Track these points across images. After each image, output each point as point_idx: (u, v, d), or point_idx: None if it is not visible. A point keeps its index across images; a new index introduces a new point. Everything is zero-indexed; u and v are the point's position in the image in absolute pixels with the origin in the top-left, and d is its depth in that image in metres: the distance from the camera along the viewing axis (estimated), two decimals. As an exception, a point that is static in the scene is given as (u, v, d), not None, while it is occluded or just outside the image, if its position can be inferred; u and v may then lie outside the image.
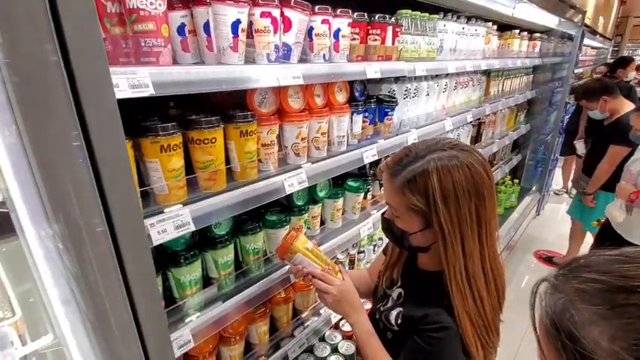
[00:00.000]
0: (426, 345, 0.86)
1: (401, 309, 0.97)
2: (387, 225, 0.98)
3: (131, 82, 0.76)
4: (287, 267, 1.34)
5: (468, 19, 2.24)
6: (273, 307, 1.43)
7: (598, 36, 8.17)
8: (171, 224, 0.89)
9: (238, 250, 1.24)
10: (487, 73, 2.86)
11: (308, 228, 1.53)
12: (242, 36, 0.99)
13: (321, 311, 1.70)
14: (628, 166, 2.53)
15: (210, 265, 1.14)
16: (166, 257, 1.03)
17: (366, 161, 1.52)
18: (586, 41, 6.49)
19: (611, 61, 5.97)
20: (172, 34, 0.92)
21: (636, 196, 2.34)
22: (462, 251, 0.84)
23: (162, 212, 0.89)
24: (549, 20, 3.46)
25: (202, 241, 1.12)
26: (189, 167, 1.00)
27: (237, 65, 0.99)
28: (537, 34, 3.63)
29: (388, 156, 1.90)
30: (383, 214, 1.01)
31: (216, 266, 1.14)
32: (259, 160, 1.18)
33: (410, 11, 1.69)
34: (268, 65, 1.06)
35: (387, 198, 0.94)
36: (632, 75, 4.88)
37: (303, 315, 1.62)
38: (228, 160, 1.09)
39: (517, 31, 3.15)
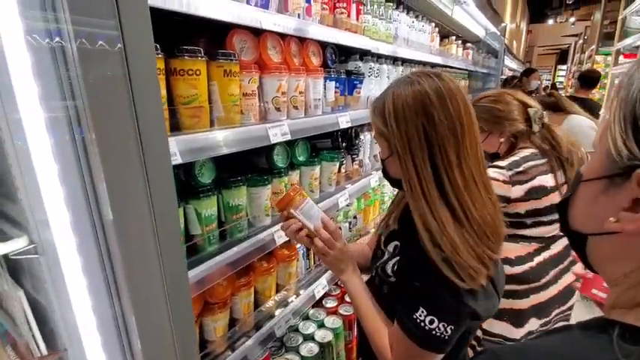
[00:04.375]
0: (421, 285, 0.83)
1: (398, 257, 0.94)
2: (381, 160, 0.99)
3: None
4: (269, 231, 1.28)
5: (416, 16, 2.47)
6: (257, 277, 1.34)
7: (514, 58, 9.42)
8: (156, 152, 0.81)
9: (221, 208, 1.16)
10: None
11: (287, 196, 1.49)
12: (224, -28, 0.98)
13: (301, 291, 1.63)
14: None
15: (192, 218, 1.05)
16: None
17: (342, 126, 1.54)
18: (506, 62, 7.44)
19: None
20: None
21: None
22: (414, 169, 0.83)
23: (145, 139, 0.81)
24: (479, 30, 3.93)
25: (184, 191, 1.03)
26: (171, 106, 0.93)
27: (220, -1, 0.97)
28: (469, 44, 4.10)
29: (364, 125, 1.97)
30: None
31: (200, 219, 1.05)
32: (241, 112, 1.14)
33: (369, -7, 1.82)
34: (249, 6, 1.06)
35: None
36: (534, 84, 5.47)
37: (284, 293, 1.54)
38: (210, 104, 1.03)
39: (454, 37, 3.54)
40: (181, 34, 1.10)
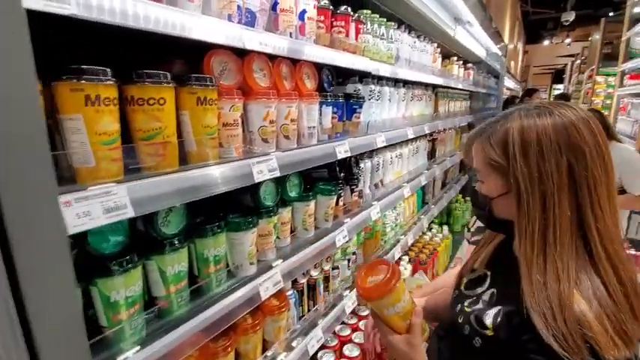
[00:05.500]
0: None
1: (500, 307, 0.77)
2: (474, 197, 0.87)
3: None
4: (254, 283, 1.08)
5: (418, 36, 2.34)
6: (238, 337, 1.12)
7: (512, 78, 9.45)
8: (98, 206, 0.63)
9: (193, 259, 0.96)
10: (435, 93, 2.99)
11: (277, 237, 1.29)
12: (199, -17, 0.82)
13: (293, 344, 1.41)
14: None
15: (154, 278, 0.85)
16: (90, 264, 0.73)
17: (339, 156, 1.37)
18: (505, 82, 7.43)
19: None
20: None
21: None
22: (540, 212, 0.69)
23: (84, 189, 0.63)
24: (480, 51, 3.84)
25: (145, 244, 0.84)
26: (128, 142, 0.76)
27: (196, 14, 0.80)
28: (470, 64, 4.00)
29: (364, 153, 1.79)
30: (473, 185, 0.90)
31: (164, 279, 0.85)
32: (220, 145, 0.97)
33: (370, 12, 1.68)
34: (231, 23, 0.90)
35: (475, 163, 0.84)
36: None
37: (273, 351, 1.32)
38: (180, 137, 0.86)
39: (455, 58, 3.43)
40: (155, 57, 0.94)
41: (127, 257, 0.76)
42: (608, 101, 4.84)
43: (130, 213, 0.67)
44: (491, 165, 0.77)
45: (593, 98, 5.86)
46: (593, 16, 9.08)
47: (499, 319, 0.74)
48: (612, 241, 0.68)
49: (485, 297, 0.85)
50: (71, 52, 0.73)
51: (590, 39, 8.60)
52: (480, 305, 0.83)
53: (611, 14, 8.42)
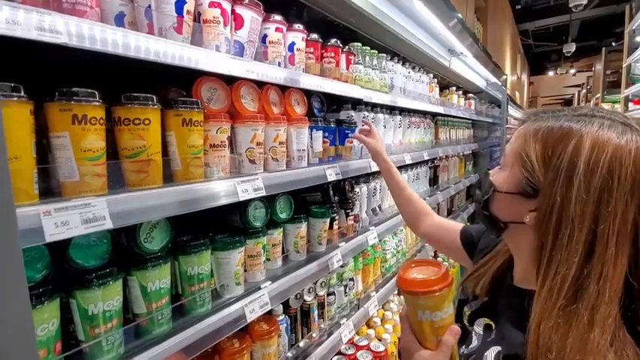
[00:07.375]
0: None
1: (499, 347, 0.66)
2: (484, 179, 0.73)
3: (39, 24, 0.62)
4: (239, 304, 1.07)
5: (412, 67, 2.44)
6: (223, 362, 1.10)
7: (518, 108, 9.51)
8: (77, 216, 0.66)
9: (177, 277, 0.97)
10: (435, 121, 3.04)
11: (267, 259, 1.30)
12: (187, 18, 0.91)
13: (288, 372, 1.36)
14: None
15: (135, 294, 0.86)
16: (71, 277, 0.75)
17: (329, 178, 1.39)
18: (510, 111, 7.50)
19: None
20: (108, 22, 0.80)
21: None
22: (582, 258, 0.53)
23: (66, 200, 0.67)
24: (479, 80, 3.93)
25: (125, 258, 0.86)
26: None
27: (180, 43, 0.88)
28: (471, 95, 4.08)
29: (358, 177, 1.80)
30: (487, 168, 0.77)
31: (145, 295, 0.86)
32: (207, 165, 1.01)
33: (360, 45, 1.78)
34: (217, 52, 0.97)
35: (509, 144, 0.69)
36: None
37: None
38: (167, 156, 0.90)
39: (454, 88, 3.52)
40: (160, 85, 1.01)
41: (107, 271, 0.78)
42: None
43: (109, 224, 0.70)
44: (522, 160, 0.62)
45: (601, 125, 5.84)
46: (596, 47, 9.27)
47: None
48: None
49: (479, 329, 0.74)
50: (97, 83, 0.79)
51: (593, 69, 8.71)
52: (475, 343, 0.73)
53: (614, 44, 8.60)
